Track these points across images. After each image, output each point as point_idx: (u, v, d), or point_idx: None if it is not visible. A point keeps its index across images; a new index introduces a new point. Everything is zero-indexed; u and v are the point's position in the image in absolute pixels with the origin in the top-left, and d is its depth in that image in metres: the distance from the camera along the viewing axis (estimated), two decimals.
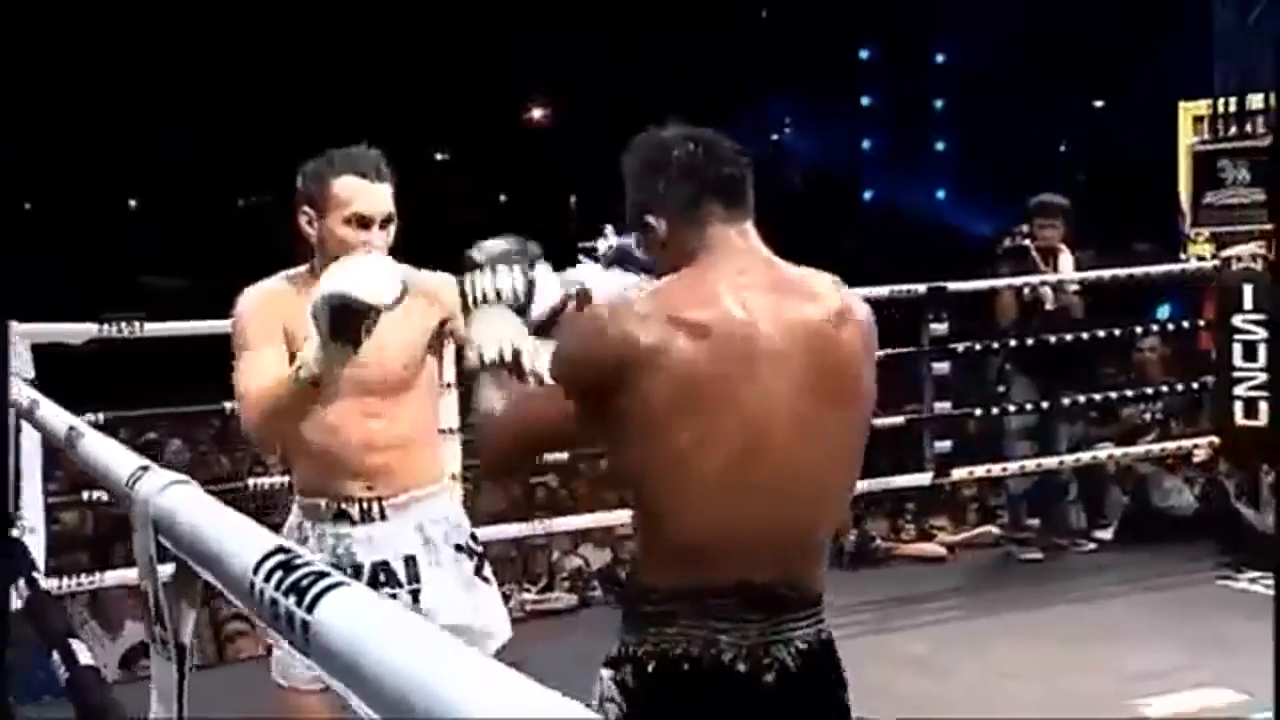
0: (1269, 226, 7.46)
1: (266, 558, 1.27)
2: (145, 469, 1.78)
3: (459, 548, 3.29)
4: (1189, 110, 8.70)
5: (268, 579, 1.24)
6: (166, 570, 1.68)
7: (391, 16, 21.46)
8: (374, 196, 3.13)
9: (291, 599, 1.18)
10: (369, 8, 21.40)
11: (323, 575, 1.18)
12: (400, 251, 3.11)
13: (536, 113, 24.72)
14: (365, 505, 3.19)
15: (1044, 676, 5.48)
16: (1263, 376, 7.05)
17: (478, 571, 3.32)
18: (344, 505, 3.19)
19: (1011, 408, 7.45)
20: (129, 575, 5.29)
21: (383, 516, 3.19)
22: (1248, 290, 7.13)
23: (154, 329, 5.70)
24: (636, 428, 2.33)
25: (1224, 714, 5.05)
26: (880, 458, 7.78)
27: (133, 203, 25.41)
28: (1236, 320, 7.17)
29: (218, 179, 22.86)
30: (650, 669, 2.34)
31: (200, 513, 1.56)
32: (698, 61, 19.82)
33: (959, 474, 7.15)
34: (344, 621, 1.10)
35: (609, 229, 2.80)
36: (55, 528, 5.92)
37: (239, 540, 1.38)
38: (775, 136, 23.20)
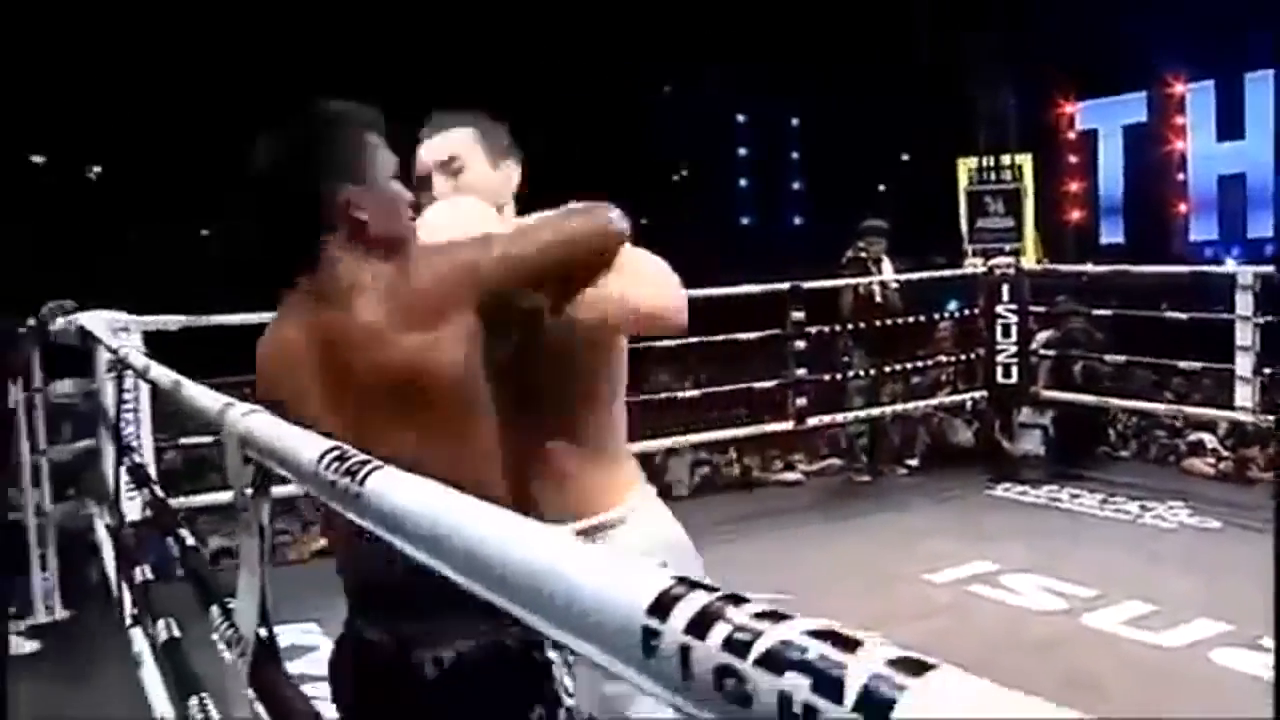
0: (1018, 243, 7.88)
1: (325, 454, 1.29)
2: (230, 404, 1.67)
3: None
4: (964, 164, 9.06)
5: (328, 467, 1.26)
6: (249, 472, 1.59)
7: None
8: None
9: (346, 479, 1.20)
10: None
11: (367, 462, 1.21)
12: None
13: None
14: None
15: (867, 563, 5.75)
16: (1014, 349, 7.47)
17: None
18: None
19: (850, 373, 7.58)
20: (218, 497, 5.41)
21: None
22: (1005, 288, 7.50)
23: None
24: None
25: (982, 576, 5.41)
26: (758, 410, 8.07)
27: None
28: (998, 309, 7.50)
29: None
30: None
31: (274, 429, 1.53)
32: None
33: (813, 421, 7.24)
34: (386, 490, 1.13)
35: None
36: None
37: (304, 444, 1.39)
38: (675, 178, 23.34)
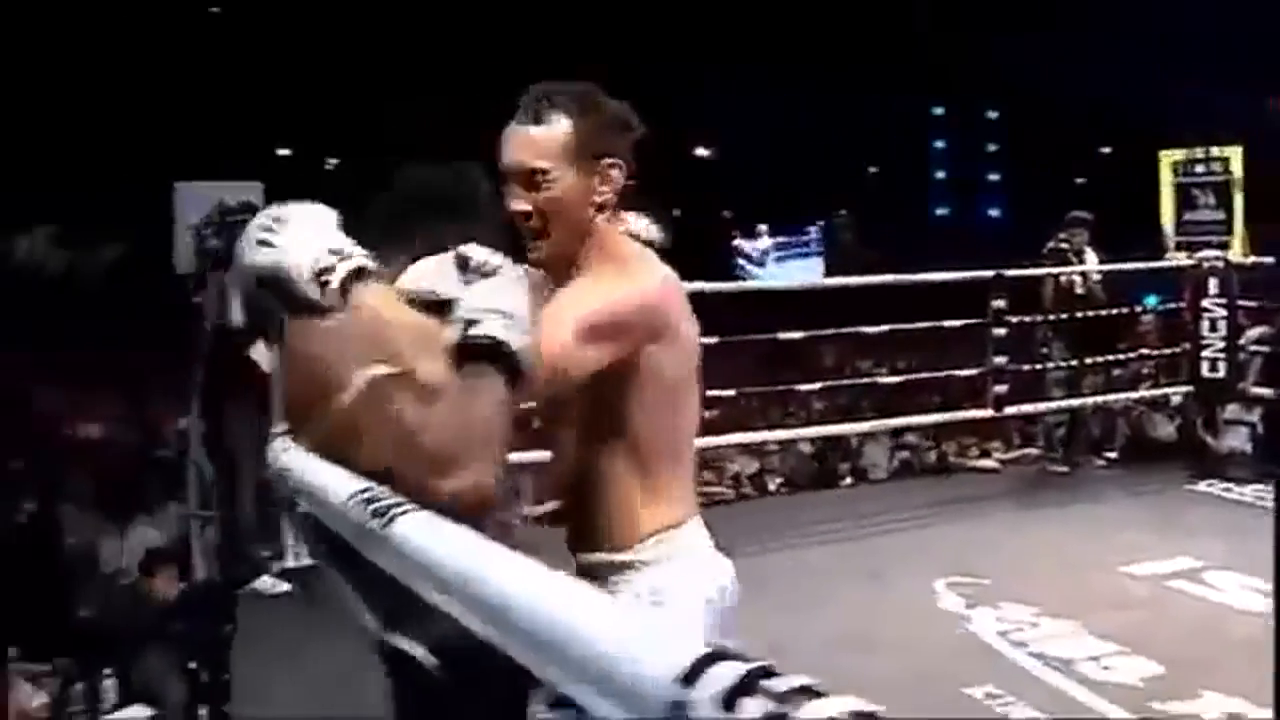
0: (1226, 237, 7.48)
1: (355, 494, 1.25)
2: (279, 435, 1.60)
3: None
4: (1166, 156, 8.61)
5: (356, 506, 1.22)
6: None
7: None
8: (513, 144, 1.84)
9: (374, 520, 1.16)
10: None
11: (398, 504, 1.16)
12: None
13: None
14: None
15: (1063, 552, 5.56)
16: (1221, 343, 7.11)
17: None
18: None
19: (1050, 364, 7.33)
20: None
21: None
22: (1212, 281, 7.14)
23: None
24: None
25: (1183, 572, 5.18)
26: (953, 398, 7.95)
27: None
28: (1205, 303, 7.16)
29: None
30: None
31: (307, 464, 1.47)
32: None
33: (1011, 410, 7.00)
34: (412, 534, 1.10)
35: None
36: None
37: (336, 482, 1.35)
38: (872, 170, 23.04)
